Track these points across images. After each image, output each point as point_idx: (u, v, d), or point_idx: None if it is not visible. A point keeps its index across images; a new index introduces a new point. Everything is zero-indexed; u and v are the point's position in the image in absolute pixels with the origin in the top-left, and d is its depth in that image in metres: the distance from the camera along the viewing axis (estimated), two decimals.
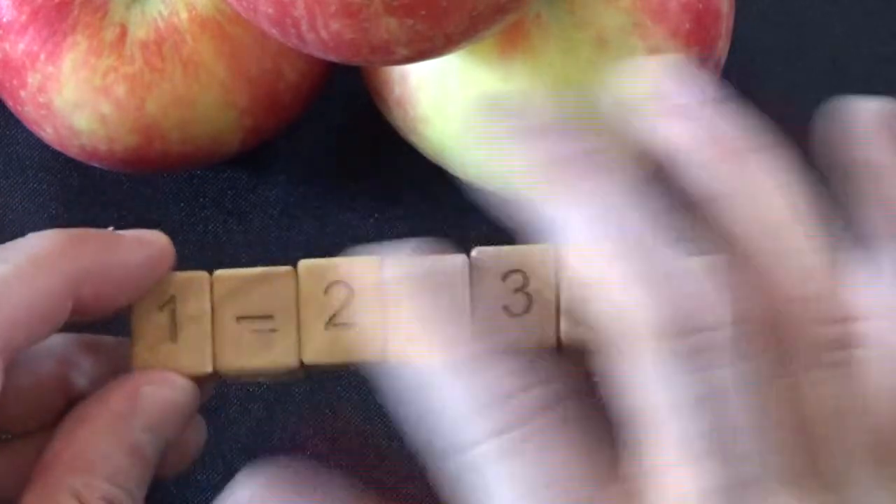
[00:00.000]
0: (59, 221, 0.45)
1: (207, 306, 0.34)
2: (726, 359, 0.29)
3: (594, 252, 0.29)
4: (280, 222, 0.45)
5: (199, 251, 0.45)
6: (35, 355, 0.35)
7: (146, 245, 0.34)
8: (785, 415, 0.29)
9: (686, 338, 0.28)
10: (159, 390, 0.33)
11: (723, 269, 0.29)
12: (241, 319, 0.34)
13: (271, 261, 0.35)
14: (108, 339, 0.36)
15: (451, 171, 0.42)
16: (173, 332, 0.34)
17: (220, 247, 0.45)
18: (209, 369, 0.34)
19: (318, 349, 0.34)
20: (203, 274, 0.34)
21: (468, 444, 0.29)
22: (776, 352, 0.29)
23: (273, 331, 0.33)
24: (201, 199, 0.46)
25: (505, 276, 0.33)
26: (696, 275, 0.29)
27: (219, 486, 0.42)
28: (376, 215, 0.46)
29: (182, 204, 0.46)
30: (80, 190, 0.46)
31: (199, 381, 0.34)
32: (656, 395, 0.28)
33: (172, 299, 0.34)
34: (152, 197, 0.46)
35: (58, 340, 0.36)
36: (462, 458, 0.29)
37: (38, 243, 0.33)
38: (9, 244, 0.33)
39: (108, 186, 0.46)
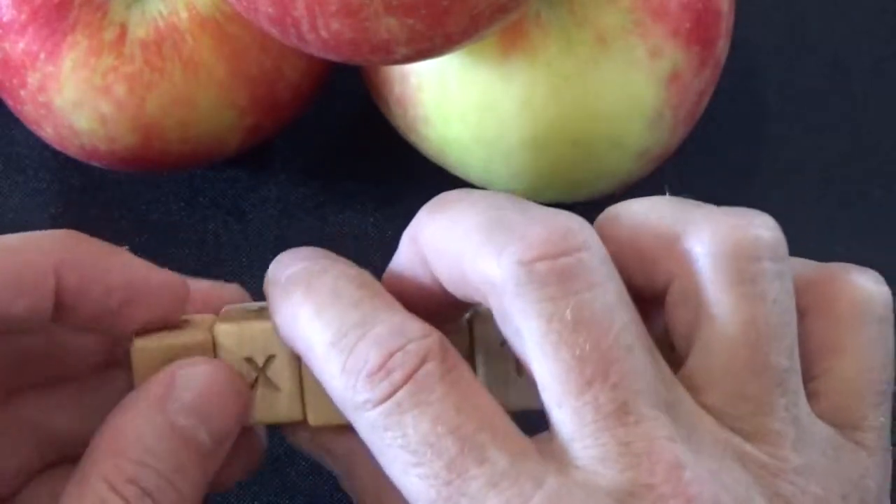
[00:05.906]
0: (59, 221, 0.45)
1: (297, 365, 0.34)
2: (597, 278, 0.29)
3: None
4: (280, 222, 0.45)
5: (198, 251, 0.45)
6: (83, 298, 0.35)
7: (152, 270, 0.34)
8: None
9: (553, 260, 0.29)
10: (197, 372, 0.33)
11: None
12: None
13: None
14: (161, 278, 0.35)
15: (451, 170, 0.42)
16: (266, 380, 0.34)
17: (219, 246, 0.45)
18: (299, 417, 0.34)
19: None
20: None
21: (353, 416, 0.30)
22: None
23: None
24: (201, 199, 0.46)
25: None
26: (545, 214, 0.30)
27: None
28: (376, 215, 0.46)
29: (182, 204, 0.46)
30: (80, 190, 0.46)
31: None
32: (533, 324, 0.28)
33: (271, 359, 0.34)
34: (152, 197, 0.46)
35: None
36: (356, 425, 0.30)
37: (37, 231, 0.34)
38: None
39: (108, 186, 0.46)
